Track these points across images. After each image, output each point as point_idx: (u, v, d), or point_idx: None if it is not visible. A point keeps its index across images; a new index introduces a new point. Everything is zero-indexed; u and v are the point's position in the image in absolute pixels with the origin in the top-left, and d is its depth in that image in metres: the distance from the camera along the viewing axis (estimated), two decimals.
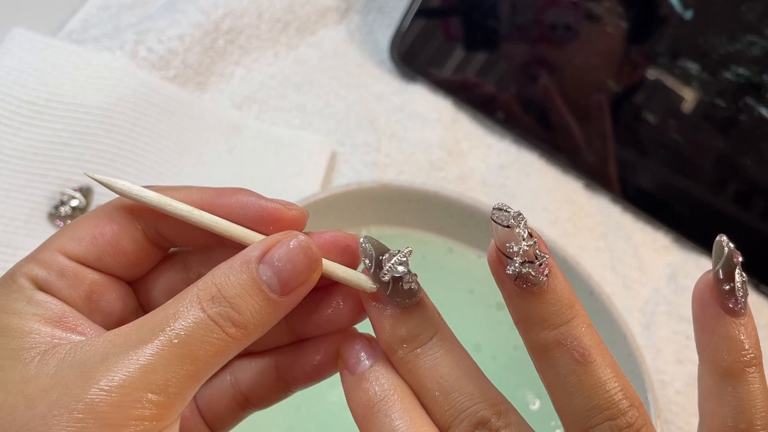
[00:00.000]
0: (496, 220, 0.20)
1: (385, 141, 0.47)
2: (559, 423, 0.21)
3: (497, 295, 0.38)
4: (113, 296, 0.23)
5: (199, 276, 0.23)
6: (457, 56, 0.50)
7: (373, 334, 0.22)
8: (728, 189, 0.49)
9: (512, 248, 0.20)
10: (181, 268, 0.24)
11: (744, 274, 0.22)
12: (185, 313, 0.19)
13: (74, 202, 0.40)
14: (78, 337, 0.20)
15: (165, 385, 0.19)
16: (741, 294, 0.22)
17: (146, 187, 0.22)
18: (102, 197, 0.41)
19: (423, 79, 0.50)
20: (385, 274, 0.21)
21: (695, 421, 0.45)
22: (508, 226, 0.20)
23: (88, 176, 0.23)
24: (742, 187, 0.49)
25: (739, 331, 0.21)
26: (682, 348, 0.45)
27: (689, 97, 0.49)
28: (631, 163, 0.50)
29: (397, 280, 0.21)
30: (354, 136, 0.47)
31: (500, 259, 0.20)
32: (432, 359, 0.21)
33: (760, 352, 0.22)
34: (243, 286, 0.20)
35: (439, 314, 0.22)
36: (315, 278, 0.21)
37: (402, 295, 0.21)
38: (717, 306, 0.22)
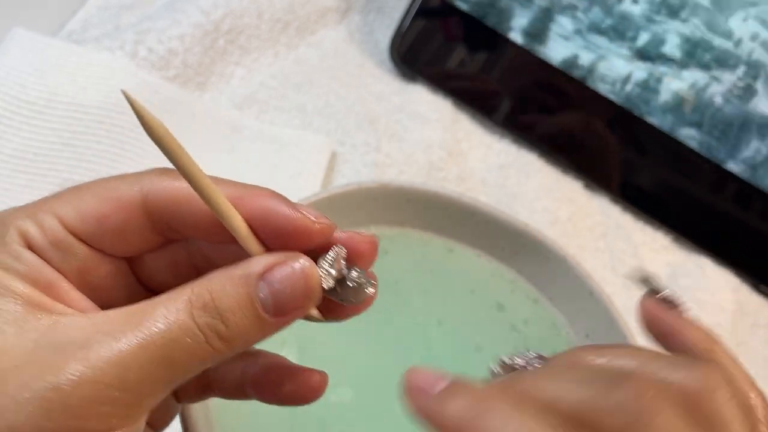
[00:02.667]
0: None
1: (385, 141, 0.47)
2: None
3: (498, 296, 0.38)
4: (107, 271, 0.22)
5: (203, 259, 0.22)
6: (457, 56, 0.50)
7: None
8: (728, 189, 0.49)
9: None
10: (184, 245, 0.23)
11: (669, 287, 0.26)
12: (174, 316, 0.19)
13: None
14: (64, 309, 0.20)
15: (138, 386, 0.18)
16: (676, 298, 0.25)
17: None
18: None
19: (423, 79, 0.50)
20: (324, 277, 0.20)
21: None
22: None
23: (124, 94, 0.20)
24: (742, 187, 0.49)
25: (693, 321, 0.24)
26: None
27: (690, 97, 0.49)
28: (631, 163, 0.50)
29: (340, 282, 0.20)
30: (354, 136, 0.47)
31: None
32: None
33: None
34: (238, 300, 0.19)
35: None
36: (309, 306, 0.21)
37: (350, 294, 0.21)
38: (668, 312, 0.24)
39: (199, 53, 0.46)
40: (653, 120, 0.49)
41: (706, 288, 0.47)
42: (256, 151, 0.45)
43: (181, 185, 0.21)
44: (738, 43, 0.47)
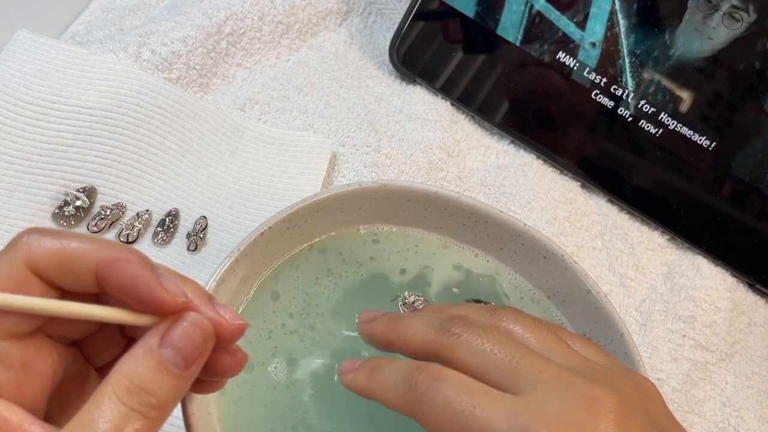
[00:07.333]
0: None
1: (385, 142, 0.47)
2: None
3: (489, 271, 0.38)
4: (52, 363, 0.23)
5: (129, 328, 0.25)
6: (457, 58, 0.51)
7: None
8: (724, 188, 0.49)
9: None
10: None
11: None
12: (108, 411, 0.21)
13: (78, 203, 0.40)
14: None
15: None
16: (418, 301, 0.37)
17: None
18: (106, 197, 0.41)
19: (422, 80, 0.51)
20: None
21: (692, 418, 0.46)
22: None
23: None
24: (738, 186, 0.49)
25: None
26: (678, 346, 0.45)
27: (686, 96, 0.49)
28: (627, 162, 0.50)
29: None
30: (354, 137, 0.47)
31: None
32: None
33: None
34: (152, 371, 0.22)
35: None
36: (210, 346, 0.23)
37: None
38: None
39: (201, 55, 0.47)
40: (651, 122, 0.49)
41: (702, 287, 0.47)
42: (258, 152, 0.45)
43: (60, 246, 0.22)
44: None
